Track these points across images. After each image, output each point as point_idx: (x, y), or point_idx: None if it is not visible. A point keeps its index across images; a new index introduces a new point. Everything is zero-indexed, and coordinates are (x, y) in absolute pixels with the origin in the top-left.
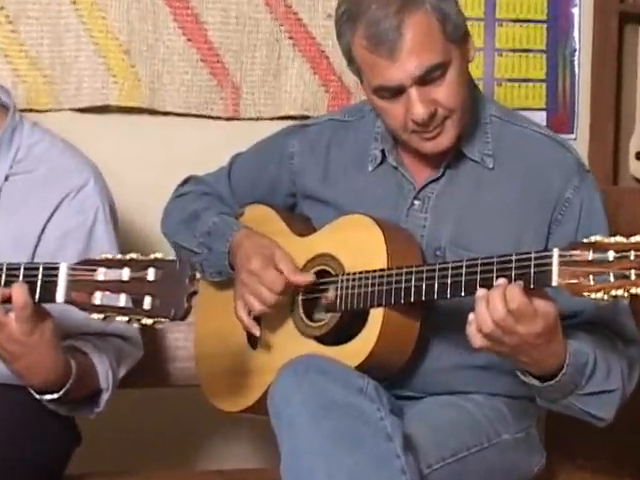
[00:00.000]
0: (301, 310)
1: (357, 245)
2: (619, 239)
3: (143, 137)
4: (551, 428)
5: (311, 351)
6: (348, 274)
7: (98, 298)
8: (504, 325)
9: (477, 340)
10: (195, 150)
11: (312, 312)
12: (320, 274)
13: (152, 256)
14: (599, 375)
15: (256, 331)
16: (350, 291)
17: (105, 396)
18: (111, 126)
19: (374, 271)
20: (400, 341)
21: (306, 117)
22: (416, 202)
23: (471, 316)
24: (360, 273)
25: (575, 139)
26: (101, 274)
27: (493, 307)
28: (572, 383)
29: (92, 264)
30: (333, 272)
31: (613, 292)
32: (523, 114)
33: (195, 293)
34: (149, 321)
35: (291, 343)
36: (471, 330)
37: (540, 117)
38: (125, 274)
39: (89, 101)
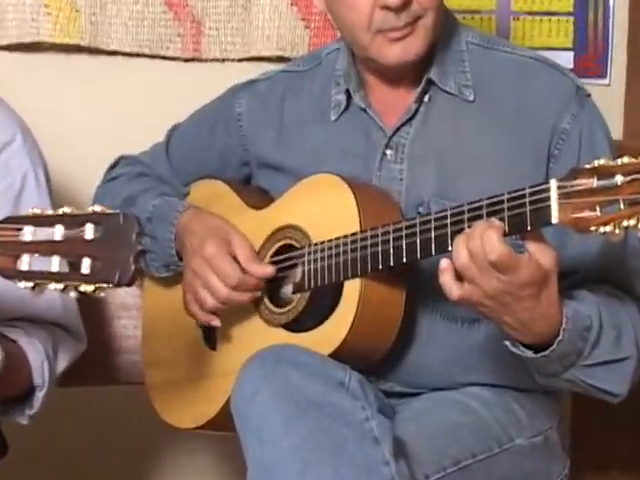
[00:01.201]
0: (265, 295)
1: (323, 210)
2: (627, 160)
3: (82, 82)
4: (576, 430)
5: (279, 341)
6: (315, 244)
7: (25, 263)
8: (479, 263)
9: (454, 289)
10: (147, 99)
11: (278, 296)
12: (284, 249)
13: (90, 209)
14: (606, 341)
15: (215, 322)
16: (319, 264)
17: (40, 394)
18: (43, 68)
19: (345, 237)
20: (383, 320)
21: (283, 59)
22: (388, 151)
23: (444, 262)
24: (329, 241)
25: (608, 85)
26: (28, 234)
27: (473, 246)
28: (573, 353)
29: (16, 222)
30: (298, 245)
31: (625, 222)
32: (542, 53)
33: (144, 252)
34: (89, 288)
35: (256, 336)
36: (445, 278)
37: (566, 58)
38: (58, 233)
39: (16, 36)
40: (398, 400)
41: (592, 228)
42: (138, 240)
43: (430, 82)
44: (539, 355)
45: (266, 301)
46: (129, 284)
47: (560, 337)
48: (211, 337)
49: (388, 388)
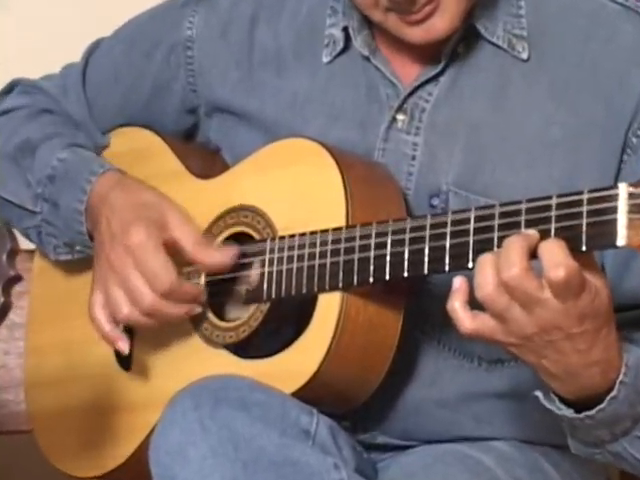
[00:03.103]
0: (205, 302)
1: (297, 191)
2: None
3: None
4: None
5: (223, 370)
6: (281, 238)
7: None
8: (516, 293)
9: (466, 321)
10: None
11: (223, 305)
12: (236, 240)
13: None
14: None
15: (122, 346)
16: (285, 266)
17: None
18: None
19: (324, 232)
20: (370, 349)
21: None
22: (400, 116)
23: (457, 281)
24: (301, 236)
25: None
26: None
27: (506, 261)
28: (629, 416)
29: None
30: (257, 236)
31: None
32: None
33: (17, 280)
34: None
35: (189, 358)
36: (455, 304)
37: None
38: None
39: None
40: (382, 454)
41: None
42: (10, 263)
43: (472, 29)
44: (582, 415)
45: (208, 311)
46: None
47: (614, 393)
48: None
49: (369, 438)
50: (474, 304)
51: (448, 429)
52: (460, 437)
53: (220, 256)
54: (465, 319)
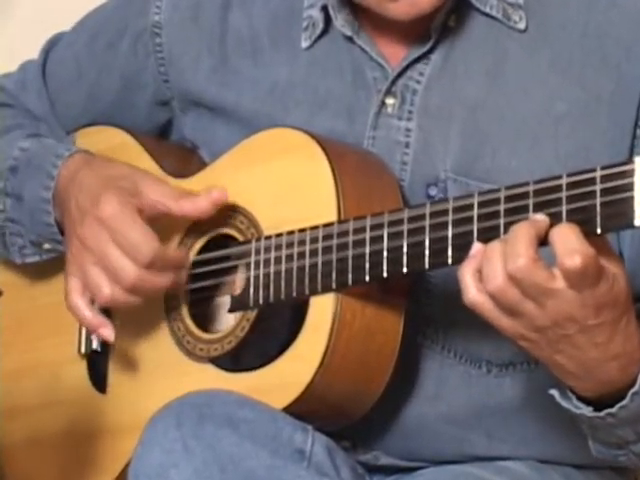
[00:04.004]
0: (186, 312)
1: (282, 187)
2: None
3: None
4: None
5: (208, 386)
6: (267, 238)
7: None
8: (525, 285)
9: (471, 289)
10: None
11: (206, 315)
12: (218, 243)
13: None
14: None
15: (107, 333)
16: (272, 269)
17: None
18: None
19: (314, 228)
20: (368, 357)
21: None
22: (390, 100)
23: (475, 247)
24: (289, 234)
25: None
26: None
27: (512, 251)
28: None
29: None
30: (241, 238)
31: None
32: None
33: None
34: None
35: (171, 375)
36: (465, 273)
37: None
38: None
39: None
40: (385, 478)
41: None
42: None
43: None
44: (603, 413)
45: (188, 321)
46: None
47: (636, 388)
48: (100, 373)
49: (371, 459)
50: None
51: (456, 448)
52: (471, 457)
53: (206, 202)
54: (471, 287)
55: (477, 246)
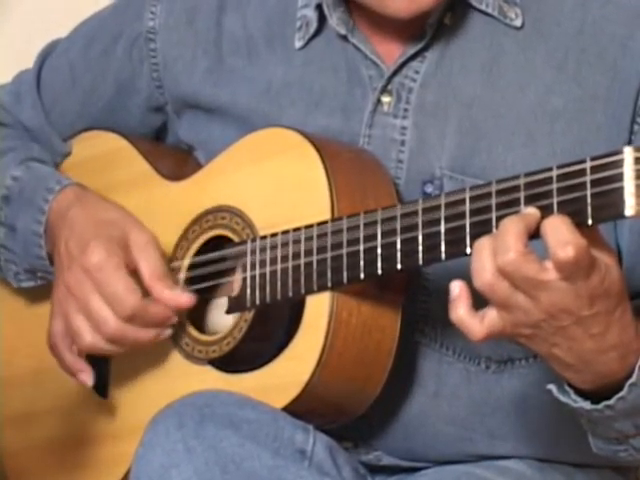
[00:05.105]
0: (184, 315)
1: (277, 186)
2: None
3: None
4: None
5: (208, 387)
6: (262, 238)
7: None
8: (515, 277)
9: (476, 327)
10: None
11: (204, 318)
12: (214, 245)
13: None
14: None
15: (85, 378)
16: (268, 269)
17: None
18: None
19: (308, 227)
20: (365, 355)
21: None
22: (386, 98)
23: (455, 288)
24: (284, 234)
25: None
26: None
27: (502, 245)
28: None
29: None
30: (236, 239)
31: None
32: None
33: None
34: None
35: (170, 378)
36: (460, 314)
37: None
38: None
39: None
40: (388, 478)
41: None
42: None
43: None
44: (601, 406)
45: (188, 325)
46: None
47: (634, 379)
48: (101, 377)
49: (373, 460)
50: (476, 297)
51: (458, 447)
52: (473, 456)
53: (172, 298)
54: (475, 325)
55: (457, 284)
